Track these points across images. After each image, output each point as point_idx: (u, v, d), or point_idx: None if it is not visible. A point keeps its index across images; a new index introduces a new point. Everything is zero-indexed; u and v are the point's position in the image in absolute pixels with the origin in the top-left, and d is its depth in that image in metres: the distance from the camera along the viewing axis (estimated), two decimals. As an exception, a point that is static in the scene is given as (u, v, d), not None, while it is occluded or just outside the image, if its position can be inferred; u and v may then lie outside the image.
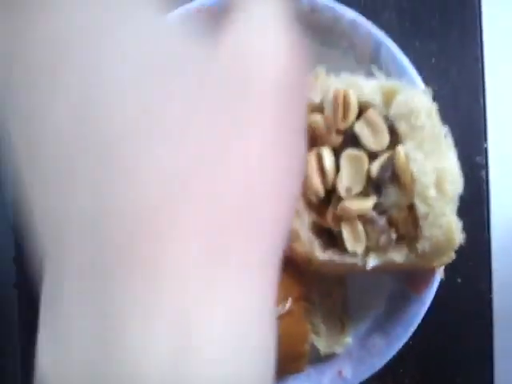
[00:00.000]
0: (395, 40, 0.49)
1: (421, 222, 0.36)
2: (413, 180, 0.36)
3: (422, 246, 0.36)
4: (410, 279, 0.48)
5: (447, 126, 0.38)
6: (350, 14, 0.48)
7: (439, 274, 0.45)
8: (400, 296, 0.49)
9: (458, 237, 0.36)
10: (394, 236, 0.37)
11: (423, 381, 0.56)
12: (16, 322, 0.56)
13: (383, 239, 0.37)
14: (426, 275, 0.46)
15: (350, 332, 0.50)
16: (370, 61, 0.50)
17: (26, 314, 0.56)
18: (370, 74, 0.42)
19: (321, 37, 0.52)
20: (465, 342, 0.55)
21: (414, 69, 0.48)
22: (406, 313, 0.48)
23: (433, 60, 0.58)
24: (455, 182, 0.36)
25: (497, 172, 0.55)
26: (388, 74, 0.43)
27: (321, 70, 0.43)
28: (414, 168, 0.36)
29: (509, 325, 0.54)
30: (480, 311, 0.55)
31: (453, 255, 0.39)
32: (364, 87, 0.39)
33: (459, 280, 0.55)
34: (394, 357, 0.49)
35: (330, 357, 0.50)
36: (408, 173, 0.36)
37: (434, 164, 0.36)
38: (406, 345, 0.49)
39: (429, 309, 0.48)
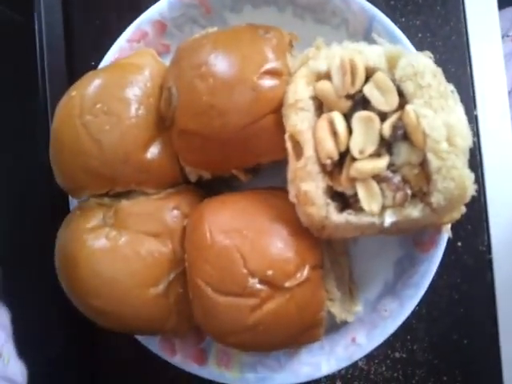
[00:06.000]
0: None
1: (434, 176, 0.37)
2: (424, 136, 0.37)
3: (437, 199, 0.37)
4: (416, 240, 0.50)
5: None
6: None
7: (446, 232, 0.46)
8: (407, 259, 0.50)
9: (471, 189, 0.38)
10: (409, 192, 0.38)
11: (431, 345, 0.57)
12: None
13: (399, 196, 0.38)
14: (432, 234, 0.48)
15: (360, 300, 0.51)
16: (363, 35, 0.51)
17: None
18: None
19: (312, 15, 0.53)
20: (468, 304, 0.57)
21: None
22: (416, 273, 0.49)
23: (419, 35, 0.60)
24: (465, 136, 0.37)
25: (488, 139, 0.57)
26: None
27: (320, 41, 0.44)
28: (425, 124, 0.37)
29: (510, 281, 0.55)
30: (481, 272, 0.56)
31: (463, 209, 0.41)
32: (368, 53, 0.40)
33: (459, 244, 0.57)
34: (401, 323, 0.50)
35: (342, 325, 0.50)
36: (419, 129, 0.37)
37: (443, 119, 0.37)
38: (413, 311, 0.50)
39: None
